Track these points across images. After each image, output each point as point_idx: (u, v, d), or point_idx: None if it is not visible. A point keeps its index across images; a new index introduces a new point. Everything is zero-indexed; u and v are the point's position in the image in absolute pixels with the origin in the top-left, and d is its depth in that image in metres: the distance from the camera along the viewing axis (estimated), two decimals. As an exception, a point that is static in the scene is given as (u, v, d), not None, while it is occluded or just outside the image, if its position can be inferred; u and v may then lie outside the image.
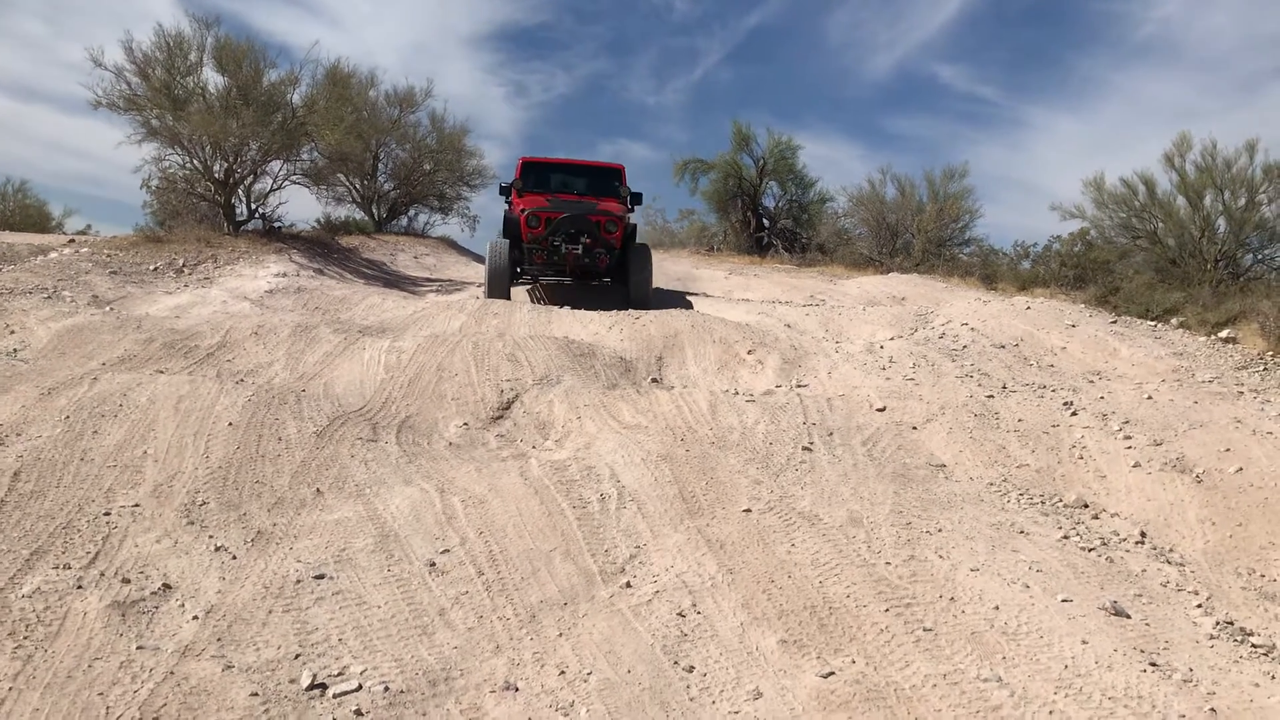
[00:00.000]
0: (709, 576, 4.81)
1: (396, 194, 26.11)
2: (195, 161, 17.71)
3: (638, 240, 16.29)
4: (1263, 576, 5.17)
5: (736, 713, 3.70)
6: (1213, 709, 3.56)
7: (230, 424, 6.76)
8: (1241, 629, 4.30)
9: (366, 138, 21.36)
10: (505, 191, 15.96)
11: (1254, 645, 4.13)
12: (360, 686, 3.87)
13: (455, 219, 27.15)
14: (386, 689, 3.86)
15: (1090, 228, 20.30)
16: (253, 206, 18.64)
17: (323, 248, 19.00)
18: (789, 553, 5.05)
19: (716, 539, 5.23)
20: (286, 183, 18.95)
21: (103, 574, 4.67)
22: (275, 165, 18.61)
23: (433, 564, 5.03)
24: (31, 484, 5.64)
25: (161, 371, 8.53)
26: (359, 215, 24.86)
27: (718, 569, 4.88)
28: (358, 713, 3.70)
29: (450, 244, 25.83)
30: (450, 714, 3.75)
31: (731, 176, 26.73)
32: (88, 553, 4.88)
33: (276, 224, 18.89)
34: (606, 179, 16.21)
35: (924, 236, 19.60)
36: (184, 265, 15.42)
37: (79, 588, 4.51)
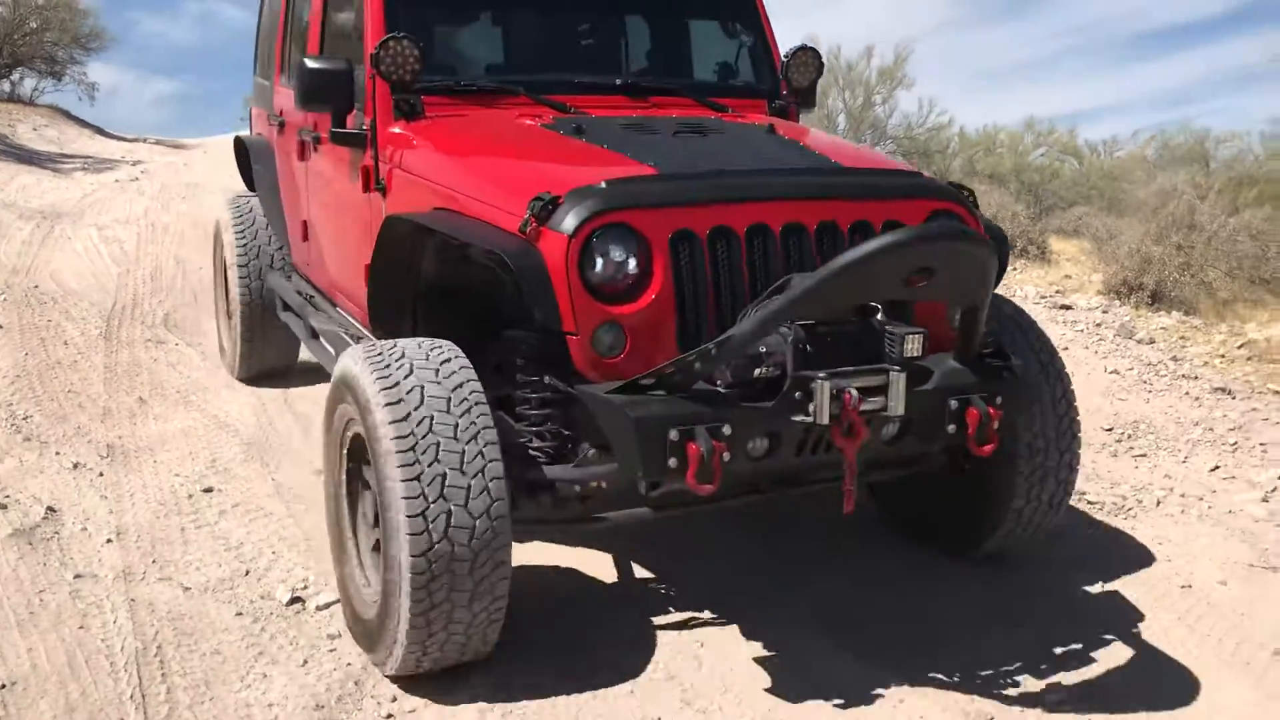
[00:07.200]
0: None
1: (-4, 56, 22.98)
2: None
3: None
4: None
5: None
6: None
7: (1, 327, 6.07)
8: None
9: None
10: (319, 86, 3.79)
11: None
12: (339, 599, 3.84)
13: (70, 85, 24.24)
14: (367, 597, 3.87)
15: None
16: None
17: (-67, 116, 16.54)
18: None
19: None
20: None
21: (-31, 502, 4.21)
22: None
23: (319, 471, 4.92)
24: None
25: None
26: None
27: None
28: (355, 622, 3.70)
29: (66, 114, 23.21)
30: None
31: None
32: (-69, 478, 4.36)
33: None
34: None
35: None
36: None
37: (-41, 518, 4.05)
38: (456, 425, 2.82)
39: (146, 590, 3.73)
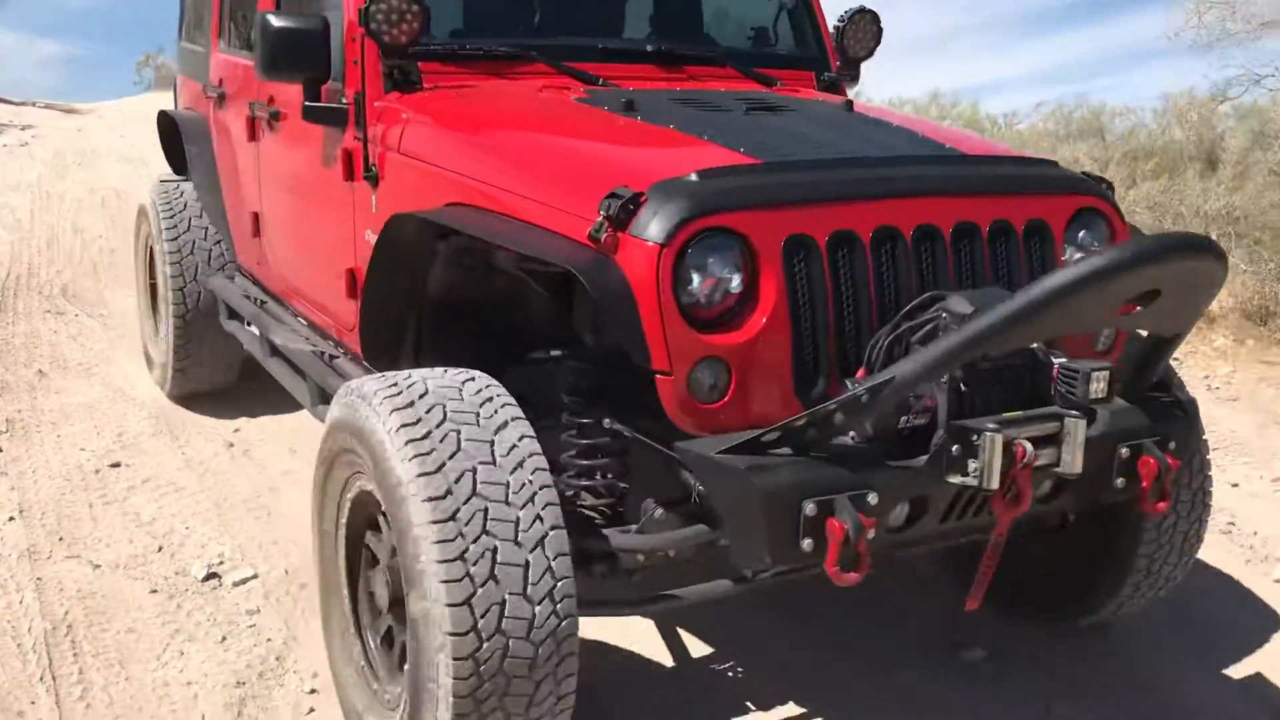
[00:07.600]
0: None
1: None
2: None
3: None
4: None
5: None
6: None
7: (-114, 297, 5.81)
8: None
9: None
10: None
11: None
12: (256, 574, 3.76)
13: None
14: (286, 572, 3.79)
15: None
16: None
17: None
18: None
19: None
20: None
21: None
22: None
23: (231, 445, 4.81)
24: None
25: None
26: None
27: None
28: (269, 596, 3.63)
29: (-53, 77, 22.24)
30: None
31: None
32: None
33: None
34: None
35: None
36: None
37: None
38: (508, 484, 2.10)
39: (54, 569, 3.61)
